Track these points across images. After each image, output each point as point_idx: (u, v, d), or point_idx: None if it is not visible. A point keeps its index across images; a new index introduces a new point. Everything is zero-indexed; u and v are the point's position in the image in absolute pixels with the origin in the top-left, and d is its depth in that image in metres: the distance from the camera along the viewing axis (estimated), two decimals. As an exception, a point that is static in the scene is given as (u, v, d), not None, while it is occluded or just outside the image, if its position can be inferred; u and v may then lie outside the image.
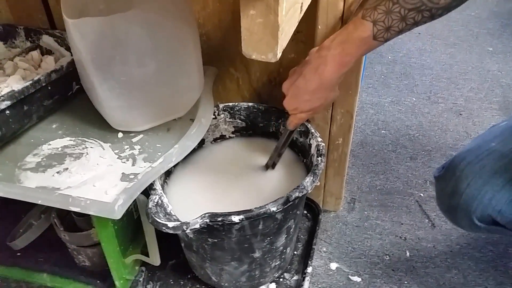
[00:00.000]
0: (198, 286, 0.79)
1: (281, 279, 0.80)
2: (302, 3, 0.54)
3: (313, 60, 0.63)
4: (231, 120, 0.85)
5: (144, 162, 0.65)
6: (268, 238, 0.68)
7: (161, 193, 0.62)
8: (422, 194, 1.05)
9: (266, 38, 0.44)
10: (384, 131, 1.29)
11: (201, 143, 0.84)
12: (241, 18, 0.43)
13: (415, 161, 1.16)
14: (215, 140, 0.86)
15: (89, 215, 0.64)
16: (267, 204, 0.60)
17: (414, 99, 1.44)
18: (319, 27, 0.73)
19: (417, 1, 0.53)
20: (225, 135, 0.87)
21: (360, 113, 1.37)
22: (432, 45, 1.78)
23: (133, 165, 0.65)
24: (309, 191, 0.65)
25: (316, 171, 0.66)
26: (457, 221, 0.72)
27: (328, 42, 0.62)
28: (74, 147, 0.68)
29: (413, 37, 1.81)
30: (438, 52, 1.73)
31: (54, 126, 0.73)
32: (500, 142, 0.66)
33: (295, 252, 0.85)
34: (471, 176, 0.66)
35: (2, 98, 0.61)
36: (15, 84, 0.67)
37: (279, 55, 0.45)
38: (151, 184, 0.62)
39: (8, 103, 0.62)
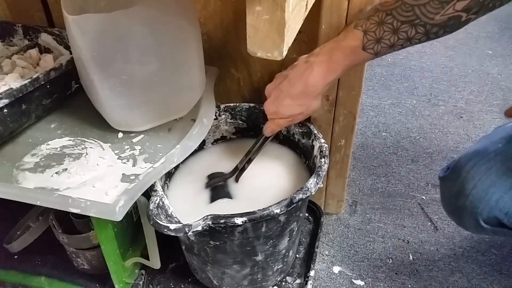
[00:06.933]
0: (198, 289, 0.78)
1: (283, 283, 0.79)
2: (307, 1, 0.53)
3: (300, 65, 0.62)
4: (232, 121, 0.84)
5: (145, 162, 0.64)
6: (271, 241, 0.66)
7: (162, 194, 0.61)
8: (424, 197, 1.04)
9: (272, 35, 0.43)
10: (384, 134, 1.28)
11: (202, 144, 0.83)
12: (246, 14, 0.42)
13: (417, 163, 1.16)
14: (215, 141, 0.85)
15: (88, 217, 0.63)
16: (270, 206, 0.59)
17: (415, 102, 1.43)
18: (323, 26, 0.72)
19: (411, 14, 0.52)
20: (226, 136, 0.85)
21: (361, 115, 1.36)
22: (432, 48, 1.77)
23: (133, 165, 0.64)
24: (313, 193, 0.63)
25: (320, 172, 0.65)
26: (462, 222, 0.72)
27: (318, 49, 0.62)
28: (73, 147, 0.67)
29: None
30: (437, 54, 1.73)
31: (52, 125, 0.72)
32: (507, 143, 0.66)
33: (297, 256, 0.84)
34: (477, 177, 0.65)
35: (-1, 96, 0.60)
36: (13, 82, 0.66)
37: (285, 53, 0.44)
38: (152, 185, 0.61)
39: (5, 101, 0.61)
